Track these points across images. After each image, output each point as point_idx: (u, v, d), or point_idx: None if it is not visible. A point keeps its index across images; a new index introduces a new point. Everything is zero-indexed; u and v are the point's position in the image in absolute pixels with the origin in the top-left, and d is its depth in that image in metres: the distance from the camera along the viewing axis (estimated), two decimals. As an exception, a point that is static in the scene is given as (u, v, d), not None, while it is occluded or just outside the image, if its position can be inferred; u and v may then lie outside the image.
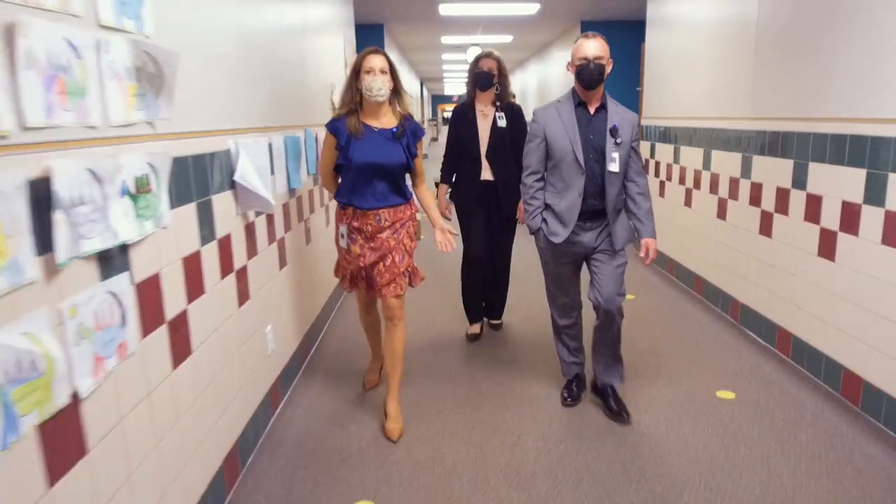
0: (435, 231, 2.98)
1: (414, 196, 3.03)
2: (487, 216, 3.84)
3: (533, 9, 7.75)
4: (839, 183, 3.09)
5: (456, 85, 28.46)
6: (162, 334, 1.84)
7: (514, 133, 3.73)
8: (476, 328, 4.08)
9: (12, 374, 1.20)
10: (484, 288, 4.04)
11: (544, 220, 2.92)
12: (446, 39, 11.17)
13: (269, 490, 2.44)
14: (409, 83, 17.19)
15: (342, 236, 2.89)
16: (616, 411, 2.93)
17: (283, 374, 3.13)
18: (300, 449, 2.73)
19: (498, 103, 3.76)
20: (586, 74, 2.73)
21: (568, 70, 2.82)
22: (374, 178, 2.78)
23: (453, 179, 3.90)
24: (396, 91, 2.81)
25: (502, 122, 3.73)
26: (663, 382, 3.33)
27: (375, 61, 2.73)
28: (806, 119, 3.39)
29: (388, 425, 2.86)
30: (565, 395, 3.15)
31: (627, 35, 7.86)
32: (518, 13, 8.12)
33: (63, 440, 1.38)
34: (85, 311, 1.45)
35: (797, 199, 3.46)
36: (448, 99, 37.97)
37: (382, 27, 8.88)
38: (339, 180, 2.89)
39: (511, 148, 3.72)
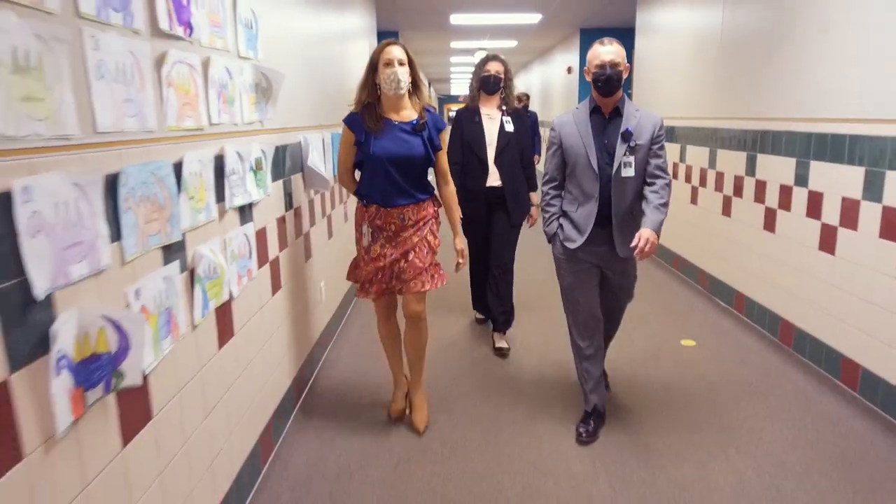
0: (455, 239, 2.95)
1: (437, 192, 2.92)
2: (489, 223, 3.79)
3: (535, 18, 8.52)
4: (781, 170, 3.86)
5: (462, 85, 29.20)
6: (266, 270, 2.63)
7: (520, 138, 3.72)
8: (481, 315, 4.27)
9: (207, 274, 1.98)
10: (484, 290, 4.06)
11: (560, 226, 2.87)
12: (455, 44, 11.95)
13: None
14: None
15: (364, 234, 2.79)
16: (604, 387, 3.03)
17: (329, 323, 3.92)
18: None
19: (504, 107, 3.73)
20: (604, 81, 2.65)
21: (585, 77, 2.78)
22: (396, 173, 2.70)
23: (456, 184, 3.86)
24: (414, 83, 2.72)
25: (510, 127, 3.69)
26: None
27: (395, 52, 2.64)
28: (757, 119, 4.15)
29: (414, 418, 2.90)
30: (581, 430, 2.86)
31: (624, 41, 8.55)
32: (522, 22, 8.90)
33: (226, 321, 2.16)
34: (234, 244, 2.23)
35: (749, 184, 4.22)
36: (454, 99, 38.74)
37: (397, 34, 9.66)
38: (358, 178, 2.87)
39: (519, 153, 3.72)
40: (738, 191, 4.37)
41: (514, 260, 3.89)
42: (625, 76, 2.69)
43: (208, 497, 2.01)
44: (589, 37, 9.71)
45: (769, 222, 3.95)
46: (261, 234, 2.54)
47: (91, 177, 1.35)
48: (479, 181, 3.70)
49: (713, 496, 2.38)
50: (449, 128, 2.94)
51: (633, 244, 2.57)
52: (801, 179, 3.58)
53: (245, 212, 2.35)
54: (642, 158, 2.71)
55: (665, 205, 2.68)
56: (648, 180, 2.74)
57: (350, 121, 2.74)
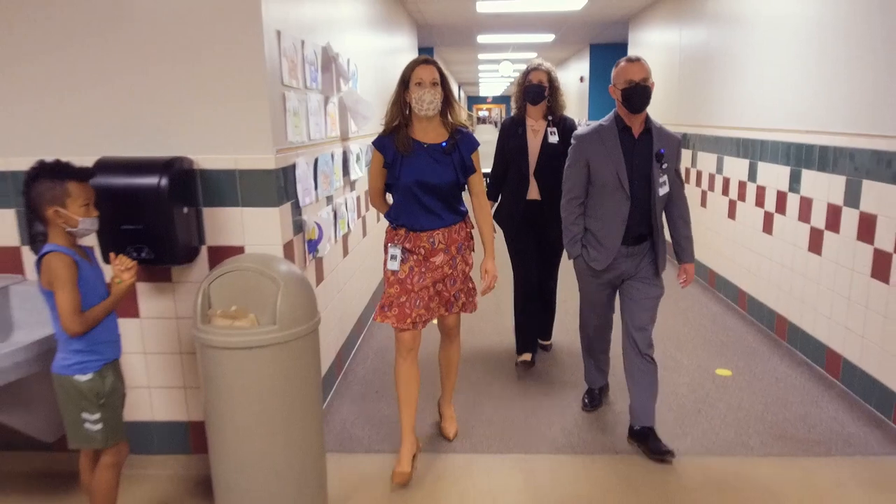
0: (486, 260, 2.78)
1: (470, 214, 2.85)
2: (537, 238, 3.70)
3: (549, 38, 10.10)
4: (730, 167, 5.41)
5: (489, 86, 30.71)
6: (360, 221, 4.28)
7: (565, 150, 3.43)
8: (528, 356, 3.83)
9: (340, 214, 3.63)
10: (538, 318, 3.91)
11: (584, 246, 2.87)
12: (482, 56, 13.58)
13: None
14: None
15: (392, 258, 2.70)
16: (662, 452, 2.80)
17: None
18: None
19: (550, 117, 3.61)
20: (635, 97, 2.63)
21: (612, 95, 2.75)
22: (425, 197, 2.64)
23: (498, 198, 3.78)
24: (448, 102, 2.66)
25: (554, 139, 3.57)
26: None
27: (425, 73, 2.58)
28: (703, 126, 5.70)
29: (443, 425, 3.03)
30: (586, 400, 3.28)
31: (620, 55, 10.11)
32: (538, 41, 10.48)
33: (346, 243, 3.82)
34: (349, 201, 3.88)
35: (693, 175, 5.77)
36: (482, 100, 40.36)
37: (433, 50, 11.32)
38: (390, 200, 2.85)
39: (562, 166, 3.44)
40: (686, 179, 5.91)
41: (558, 276, 3.91)
42: (651, 92, 2.69)
43: (333, 350, 3.67)
44: (598, 50, 11.24)
45: (703, 201, 5.50)
46: (358, 199, 4.20)
47: (310, 159, 3.01)
48: (520, 194, 3.62)
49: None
50: (479, 148, 2.78)
51: (680, 278, 2.92)
52: (719, 169, 5.14)
53: (353, 184, 4.01)
54: (670, 178, 2.79)
55: (691, 228, 2.92)
56: (678, 202, 2.86)
57: (379, 143, 2.69)
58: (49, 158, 2.04)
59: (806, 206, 3.81)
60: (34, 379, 2.49)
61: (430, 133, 2.68)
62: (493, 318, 4.76)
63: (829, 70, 3.58)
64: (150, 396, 2.72)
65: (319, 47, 3.24)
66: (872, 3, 3.19)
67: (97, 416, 2.11)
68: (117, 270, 2.09)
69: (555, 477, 2.77)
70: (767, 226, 4.34)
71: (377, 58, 5.30)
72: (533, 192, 3.62)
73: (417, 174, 2.63)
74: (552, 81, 3.58)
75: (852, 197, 3.32)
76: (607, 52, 10.90)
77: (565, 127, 3.60)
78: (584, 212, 2.88)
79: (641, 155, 2.73)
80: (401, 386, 2.75)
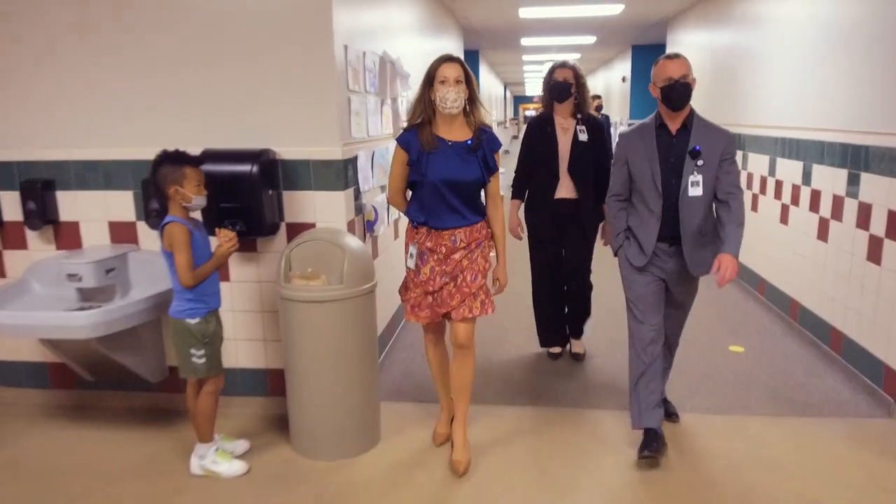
0: (498, 265, 2.80)
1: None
2: (561, 238, 3.71)
3: (591, 40, 10.45)
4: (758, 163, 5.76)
5: (535, 86, 31.02)
6: (408, 209, 4.80)
7: (595, 147, 3.59)
8: (557, 348, 3.99)
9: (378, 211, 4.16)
10: (560, 315, 3.94)
11: (627, 238, 2.87)
12: (526, 57, 13.98)
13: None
14: (495, 87, 20.12)
15: (411, 256, 2.74)
16: (668, 413, 3.11)
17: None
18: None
19: (578, 115, 3.60)
20: (674, 95, 2.62)
21: (651, 93, 2.75)
22: (450, 195, 2.64)
23: (525, 195, 3.76)
24: (472, 100, 2.66)
25: (583, 136, 3.56)
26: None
27: (450, 71, 2.58)
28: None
29: (454, 457, 2.78)
30: (645, 453, 2.77)
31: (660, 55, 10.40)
32: (580, 42, 10.84)
33: (396, 229, 4.34)
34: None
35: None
36: (528, 99, 40.56)
37: (478, 52, 11.80)
38: (409, 197, 2.83)
39: (592, 163, 3.58)
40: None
41: (591, 273, 3.89)
42: (693, 88, 2.65)
43: (385, 318, 4.18)
44: (640, 51, 11.52)
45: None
46: (407, 189, 4.71)
47: (368, 152, 3.53)
48: (548, 193, 3.62)
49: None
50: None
51: (714, 270, 2.59)
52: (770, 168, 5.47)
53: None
54: (711, 176, 2.66)
55: (741, 224, 2.64)
56: (721, 198, 2.69)
57: (403, 140, 2.69)
58: (170, 148, 2.62)
59: (815, 198, 4.14)
60: (145, 328, 3.10)
61: (454, 131, 2.68)
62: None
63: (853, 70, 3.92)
64: (236, 347, 3.28)
65: (377, 56, 3.77)
66: (883, 11, 3.53)
67: (202, 352, 2.67)
68: (222, 240, 2.65)
69: (556, 425, 3.22)
70: (784, 217, 4.67)
71: (427, 60, 5.80)
72: (565, 191, 3.62)
73: (444, 172, 2.63)
74: (578, 79, 3.56)
75: (853, 189, 3.66)
76: (648, 52, 11.17)
77: (594, 125, 3.62)
78: (625, 208, 2.90)
79: (678, 153, 2.70)
80: (433, 367, 2.97)
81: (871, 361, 3.47)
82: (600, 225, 3.72)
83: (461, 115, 2.68)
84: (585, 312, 3.95)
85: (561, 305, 3.93)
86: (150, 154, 2.67)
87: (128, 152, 3.17)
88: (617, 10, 7.40)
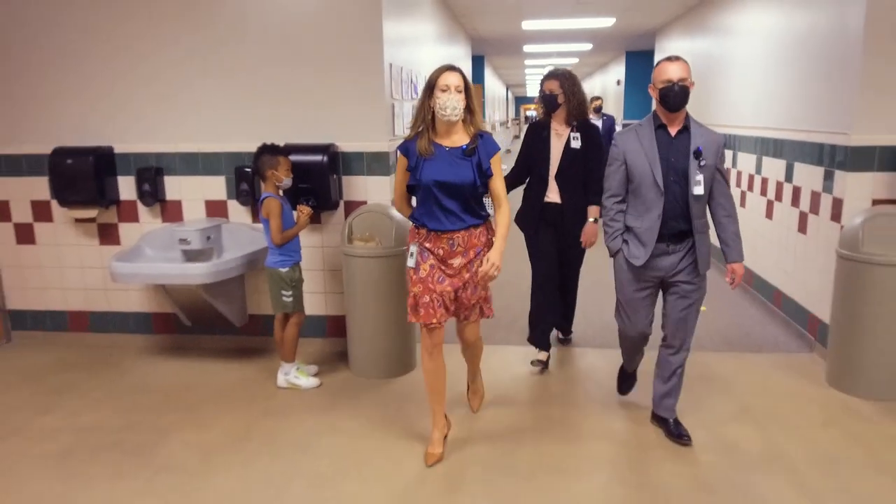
0: (493, 249, 2.76)
1: (492, 218, 2.88)
2: (555, 238, 3.78)
3: (588, 46, 11.38)
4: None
5: (536, 86, 31.98)
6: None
7: (587, 154, 3.64)
8: (543, 355, 3.93)
9: (419, 188, 5.09)
10: (553, 319, 4.02)
11: (625, 241, 2.90)
12: (528, 62, 14.93)
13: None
14: (498, 89, 21.08)
15: (411, 255, 2.83)
16: (676, 435, 3.02)
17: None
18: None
19: (574, 123, 3.66)
20: (672, 97, 2.68)
21: (650, 93, 2.81)
22: (444, 197, 2.73)
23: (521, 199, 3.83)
24: (469, 109, 2.74)
25: (576, 143, 3.63)
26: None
27: (452, 79, 2.67)
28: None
29: (471, 398, 3.39)
30: (623, 385, 3.46)
31: (650, 60, 11.32)
32: (578, 49, 11.77)
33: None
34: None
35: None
36: (529, 100, 41.52)
37: (483, 58, 12.74)
38: (413, 202, 2.94)
39: (583, 170, 3.64)
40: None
41: (579, 275, 4.05)
42: (690, 91, 2.72)
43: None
44: (633, 57, 12.46)
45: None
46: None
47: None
48: (538, 196, 3.73)
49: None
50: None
51: (727, 279, 2.95)
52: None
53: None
54: (710, 176, 2.79)
55: (738, 226, 2.91)
56: (721, 201, 2.85)
57: (403, 148, 2.81)
58: (268, 142, 3.56)
59: (764, 185, 5.07)
60: (234, 281, 4.04)
61: (452, 137, 2.76)
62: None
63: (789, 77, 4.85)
64: (304, 299, 4.21)
65: (412, 71, 4.71)
66: (810, 31, 4.45)
67: (289, 293, 3.60)
68: (303, 213, 3.58)
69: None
70: (742, 201, 5.60)
71: (439, 62, 6.73)
72: (552, 195, 3.71)
73: (436, 174, 2.71)
74: (565, 87, 3.60)
75: (789, 175, 4.58)
76: (641, 58, 12.11)
77: (588, 132, 3.67)
78: (624, 209, 2.93)
79: (678, 152, 2.77)
80: (429, 378, 2.92)
81: (799, 311, 4.39)
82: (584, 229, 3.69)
83: (460, 123, 2.77)
84: (571, 313, 4.28)
85: (556, 306, 4.00)
86: (239, 147, 3.66)
87: (221, 146, 4.10)
88: (609, 22, 8.33)
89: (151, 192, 4.16)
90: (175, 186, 4.21)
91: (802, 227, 4.38)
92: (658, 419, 3.16)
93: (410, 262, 2.85)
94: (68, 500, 2.70)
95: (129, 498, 2.70)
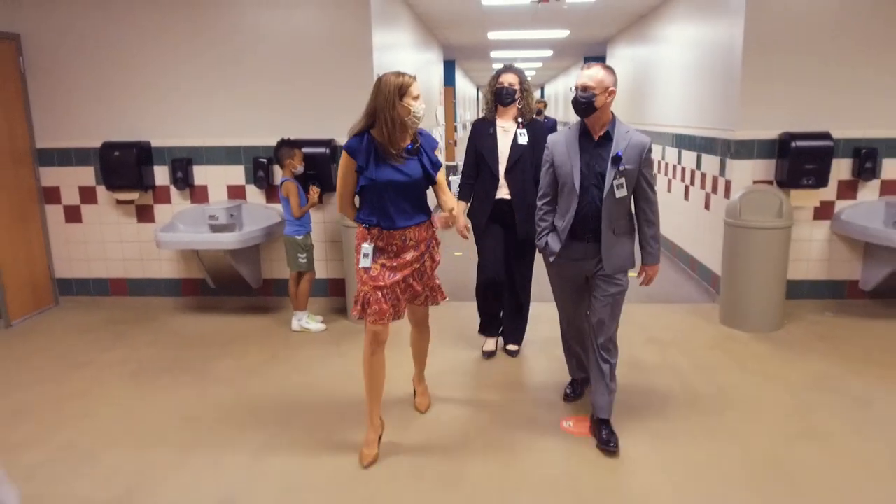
0: (442, 214, 2.96)
1: (433, 215, 3.00)
2: (504, 236, 3.81)
3: (548, 53, 12.51)
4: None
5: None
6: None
7: (535, 151, 3.64)
8: (491, 345, 4.10)
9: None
10: (499, 308, 4.05)
11: (548, 241, 3.03)
12: (496, 65, 15.99)
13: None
14: (469, 89, 22.15)
15: (365, 256, 2.85)
16: (605, 441, 2.97)
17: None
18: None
19: (520, 119, 3.69)
20: (574, 104, 2.81)
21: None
22: (398, 196, 2.80)
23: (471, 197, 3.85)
24: None
25: (523, 140, 3.66)
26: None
27: (418, 89, 2.79)
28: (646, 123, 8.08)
29: (417, 400, 3.38)
30: (567, 391, 3.49)
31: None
32: (540, 55, 12.89)
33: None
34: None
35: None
36: (500, 100, 42.66)
37: (454, 62, 13.79)
38: (357, 203, 2.96)
39: (531, 166, 3.66)
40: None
41: (532, 277, 4.00)
42: (606, 99, 2.78)
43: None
44: (591, 62, 13.61)
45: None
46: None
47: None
48: (489, 193, 3.75)
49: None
50: (440, 145, 2.94)
51: (640, 276, 3.07)
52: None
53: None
54: (632, 180, 2.86)
55: (658, 229, 2.98)
56: (642, 205, 2.93)
57: (350, 148, 2.80)
58: (286, 137, 4.53)
59: (683, 173, 6.19)
60: (252, 249, 5.00)
61: (402, 138, 2.85)
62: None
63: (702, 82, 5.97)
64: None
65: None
66: (717, 41, 5.57)
67: (304, 255, 4.58)
68: (314, 193, 4.56)
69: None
70: (668, 186, 6.72)
71: (415, 67, 7.74)
72: (502, 192, 3.75)
73: (391, 175, 2.79)
74: (522, 83, 3.68)
75: (700, 164, 5.69)
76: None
77: (536, 129, 3.73)
78: (552, 209, 3.06)
79: (598, 156, 2.86)
80: (368, 375, 2.94)
81: (706, 272, 5.52)
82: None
83: None
84: (522, 322, 4.12)
85: (501, 304, 4.04)
86: (255, 142, 4.67)
87: (240, 140, 5.05)
88: (564, 34, 9.43)
89: (183, 178, 5.10)
90: (202, 174, 5.15)
91: (707, 205, 5.50)
92: (594, 423, 3.15)
93: (365, 263, 2.86)
94: (147, 401, 3.64)
95: (193, 399, 3.66)
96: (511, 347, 4.14)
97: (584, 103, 2.80)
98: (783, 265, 4.50)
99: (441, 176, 3.00)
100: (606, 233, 2.91)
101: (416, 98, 2.79)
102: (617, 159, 2.82)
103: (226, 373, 4.00)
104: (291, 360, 4.17)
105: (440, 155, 5.76)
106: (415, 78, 2.83)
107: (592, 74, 2.80)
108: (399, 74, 2.81)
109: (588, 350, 3.20)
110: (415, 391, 3.48)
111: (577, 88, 2.83)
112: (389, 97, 2.76)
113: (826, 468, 2.89)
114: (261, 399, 3.64)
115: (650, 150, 2.91)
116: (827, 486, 2.75)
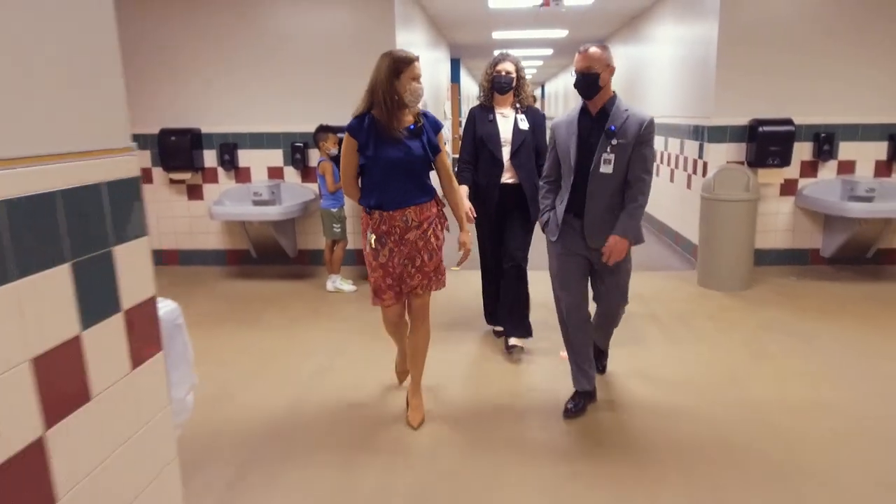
0: (461, 233, 3.04)
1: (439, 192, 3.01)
2: (503, 221, 3.84)
3: (549, 52, 13.24)
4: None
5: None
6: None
7: (535, 136, 3.75)
8: (500, 327, 4.15)
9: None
10: (500, 293, 4.03)
11: (550, 216, 3.08)
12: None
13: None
14: (472, 87, 22.86)
15: (370, 244, 2.89)
16: (600, 369, 3.50)
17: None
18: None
19: (518, 106, 3.76)
20: (578, 86, 2.88)
21: None
22: (399, 176, 2.81)
23: (472, 181, 3.86)
24: None
25: (524, 125, 3.71)
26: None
27: (419, 69, 2.78)
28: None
29: (410, 414, 3.15)
30: (569, 406, 3.17)
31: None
32: (541, 53, 13.63)
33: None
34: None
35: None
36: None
37: (459, 60, 14.51)
38: (360, 184, 2.96)
39: (533, 150, 3.74)
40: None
41: (528, 261, 3.91)
42: (608, 76, 2.84)
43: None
44: (589, 60, 14.34)
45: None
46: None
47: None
48: (493, 178, 3.75)
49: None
50: (444, 129, 2.83)
51: (604, 255, 2.88)
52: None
53: (421, 146, 7.21)
54: (624, 157, 2.83)
55: (639, 207, 2.89)
56: (630, 181, 2.88)
57: (352, 128, 2.82)
58: (324, 123, 5.27)
59: (671, 158, 6.92)
60: (289, 222, 5.74)
61: (401, 119, 2.85)
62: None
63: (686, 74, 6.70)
64: (338, 236, 5.92)
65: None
66: (697, 41, 6.29)
67: (339, 226, 5.32)
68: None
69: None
70: (657, 171, 7.45)
71: (427, 64, 8.51)
72: (507, 177, 3.79)
73: (391, 154, 2.80)
74: (519, 72, 3.73)
75: (683, 149, 6.42)
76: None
77: (535, 115, 3.81)
78: (554, 189, 3.11)
79: (596, 134, 2.89)
80: (392, 335, 3.26)
81: (688, 244, 6.25)
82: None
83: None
84: (522, 308, 3.93)
85: (498, 278, 4.02)
86: (292, 129, 5.44)
87: (279, 128, 5.79)
88: (563, 33, 10.16)
89: (230, 160, 5.84)
90: (246, 157, 5.90)
91: (689, 185, 6.24)
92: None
93: (370, 249, 2.95)
94: (212, 341, 4.37)
95: (252, 341, 4.38)
96: (513, 342, 3.89)
97: (590, 82, 2.84)
98: (751, 232, 5.23)
99: (445, 165, 2.99)
100: (591, 208, 2.92)
101: (414, 78, 2.78)
102: (610, 133, 2.83)
103: (277, 321, 4.74)
104: (331, 312, 4.91)
105: (447, 147, 6.46)
106: (416, 58, 2.80)
107: (591, 53, 2.84)
108: (398, 52, 2.83)
109: (590, 338, 3.27)
110: (408, 403, 3.22)
111: (575, 73, 2.89)
112: (386, 75, 2.77)
113: (770, 379, 3.63)
114: (311, 340, 4.38)
115: (649, 127, 2.85)
116: (771, 392, 3.48)
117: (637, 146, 2.85)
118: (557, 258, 3.09)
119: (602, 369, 3.61)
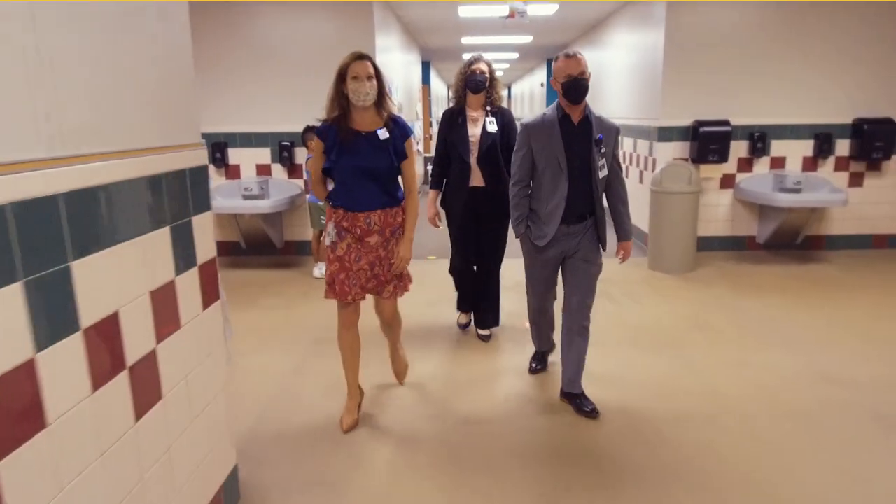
0: (402, 239, 2.97)
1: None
2: (476, 223, 3.91)
3: (515, 55, 13.87)
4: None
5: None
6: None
7: (504, 138, 3.77)
8: (465, 318, 4.36)
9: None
10: (474, 288, 4.18)
11: (528, 225, 3.10)
12: (467, 65, 17.36)
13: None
14: (441, 89, 23.45)
15: (328, 234, 2.94)
16: (589, 411, 3.17)
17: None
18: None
19: (489, 108, 3.79)
20: (573, 90, 2.84)
21: (553, 87, 2.95)
22: (363, 180, 2.84)
23: (442, 185, 3.94)
24: (381, 94, 2.84)
25: (492, 127, 3.75)
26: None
27: (360, 68, 2.75)
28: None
29: (395, 368, 3.49)
30: (533, 364, 3.67)
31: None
32: (508, 57, 14.26)
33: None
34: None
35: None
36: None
37: (430, 63, 15.06)
38: (329, 185, 3.03)
39: (503, 153, 3.74)
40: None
41: (502, 260, 4.12)
42: (589, 83, 2.90)
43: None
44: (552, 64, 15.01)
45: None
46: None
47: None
48: (462, 181, 3.84)
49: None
50: (413, 136, 3.02)
51: (618, 255, 3.23)
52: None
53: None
54: (608, 161, 3.03)
55: (629, 208, 3.17)
56: (615, 186, 3.10)
57: (320, 132, 2.91)
58: (309, 124, 5.76)
59: (628, 157, 7.57)
60: (277, 214, 6.22)
61: (366, 121, 2.87)
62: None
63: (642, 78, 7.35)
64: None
65: (393, 81, 6.94)
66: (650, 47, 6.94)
67: (325, 216, 5.81)
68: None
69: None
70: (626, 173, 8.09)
71: (401, 67, 9.07)
72: (475, 179, 3.84)
73: (356, 159, 2.83)
74: (492, 73, 3.81)
75: (635, 147, 7.06)
76: (559, 64, 14.66)
77: (504, 117, 3.86)
78: (529, 194, 3.10)
79: (580, 140, 2.94)
80: (344, 352, 3.11)
81: (640, 233, 6.91)
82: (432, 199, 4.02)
83: (373, 107, 2.88)
84: (493, 304, 4.20)
85: (471, 278, 4.18)
86: (279, 129, 5.88)
87: (267, 128, 6.27)
88: (528, 39, 10.78)
89: (221, 158, 6.29)
90: (236, 155, 6.35)
91: (641, 179, 6.89)
92: (566, 395, 3.31)
93: (329, 241, 2.97)
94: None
95: (254, 319, 4.86)
96: (483, 332, 4.26)
97: (585, 87, 2.89)
98: (694, 222, 5.89)
99: (409, 172, 3.00)
100: (600, 212, 3.08)
101: (354, 78, 2.78)
102: (599, 142, 2.94)
103: (273, 303, 5.23)
104: (319, 296, 5.38)
105: (419, 146, 6.71)
106: (359, 58, 2.80)
107: (580, 60, 2.88)
108: (349, 56, 2.85)
109: (552, 327, 3.52)
110: (392, 359, 3.54)
111: (571, 77, 2.86)
112: (335, 79, 2.86)
113: (706, 343, 4.26)
114: (305, 318, 4.88)
115: (619, 133, 3.08)
116: (706, 354, 4.10)
117: (614, 151, 3.06)
118: (538, 264, 3.21)
119: (593, 411, 3.22)
